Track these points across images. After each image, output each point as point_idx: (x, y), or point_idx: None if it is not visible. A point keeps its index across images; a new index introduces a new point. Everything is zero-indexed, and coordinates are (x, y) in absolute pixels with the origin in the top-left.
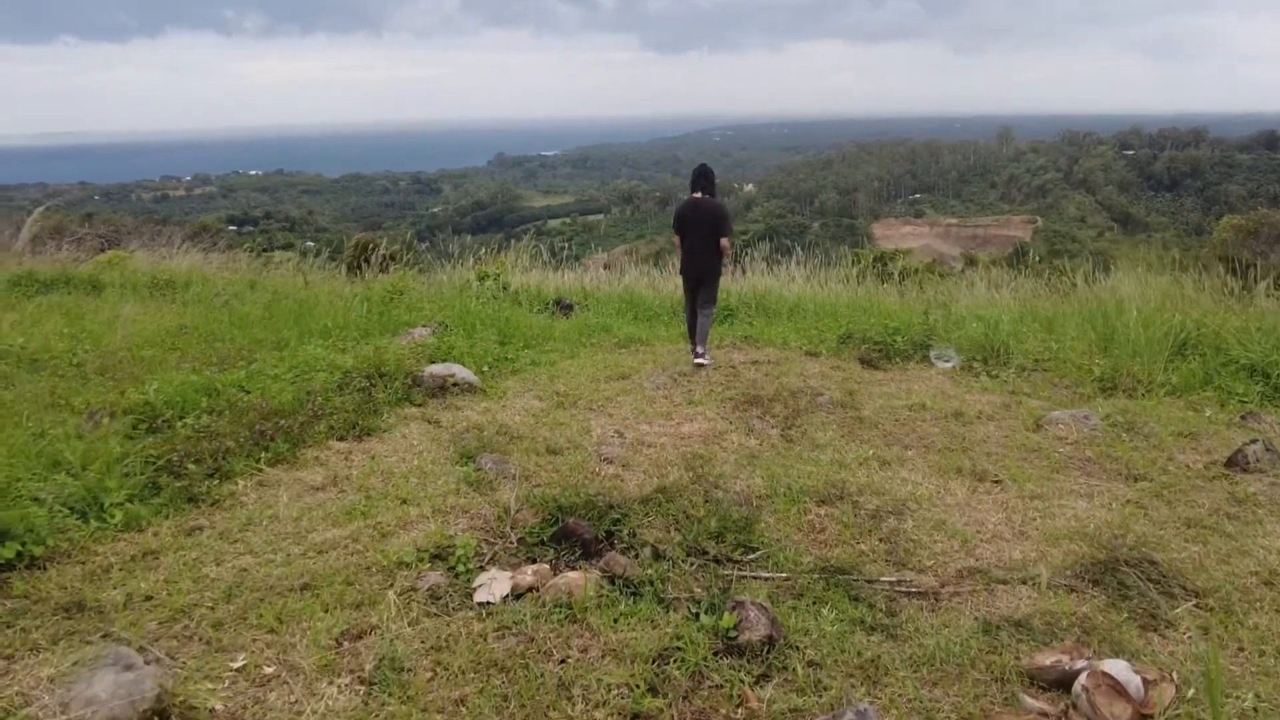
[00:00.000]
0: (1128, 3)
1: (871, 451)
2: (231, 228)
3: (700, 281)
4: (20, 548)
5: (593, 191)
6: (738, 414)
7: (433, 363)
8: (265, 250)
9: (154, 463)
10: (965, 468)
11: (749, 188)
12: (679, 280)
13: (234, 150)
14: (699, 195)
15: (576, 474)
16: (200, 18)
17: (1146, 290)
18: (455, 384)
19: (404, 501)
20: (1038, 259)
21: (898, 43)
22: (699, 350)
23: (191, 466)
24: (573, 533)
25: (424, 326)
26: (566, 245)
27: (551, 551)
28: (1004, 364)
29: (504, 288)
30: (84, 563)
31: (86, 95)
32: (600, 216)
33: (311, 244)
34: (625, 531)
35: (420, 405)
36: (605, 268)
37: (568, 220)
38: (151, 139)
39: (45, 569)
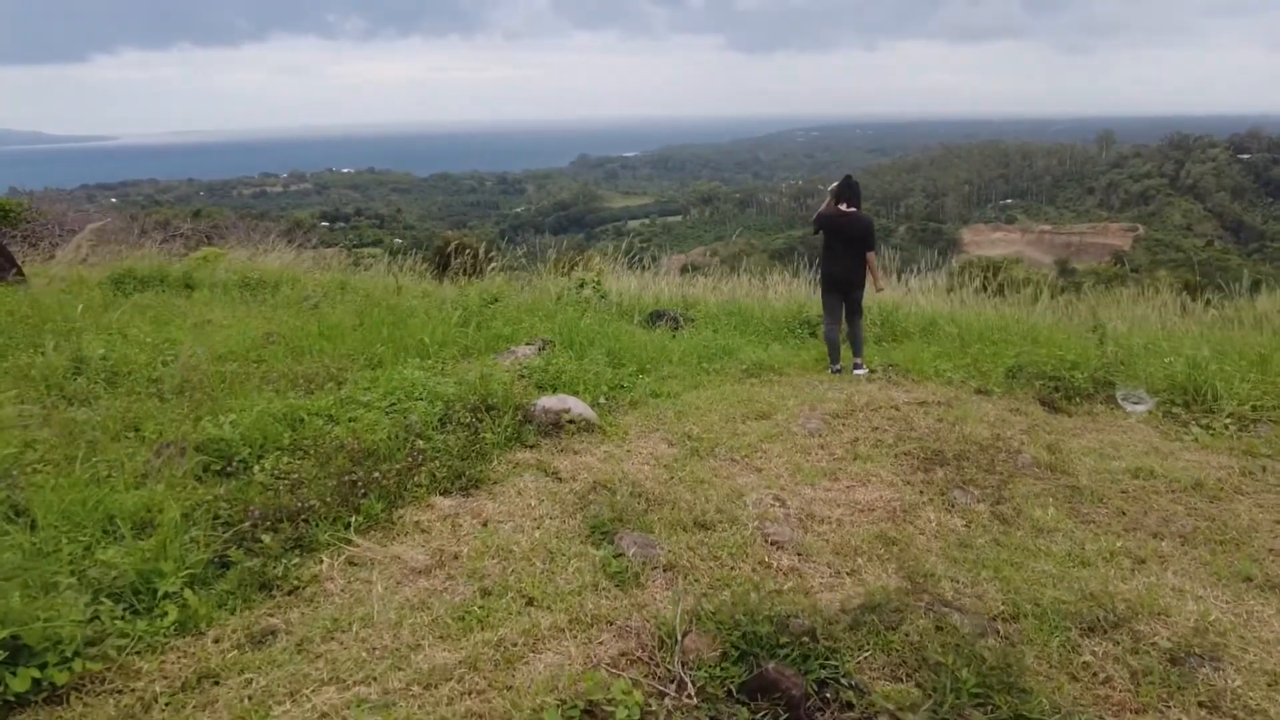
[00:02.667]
0: None
1: (1118, 543)
2: (324, 224)
3: (848, 289)
4: (39, 673)
5: (672, 192)
6: (922, 476)
7: (541, 390)
8: (356, 246)
9: (223, 524)
10: (1255, 576)
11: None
12: (781, 291)
13: (329, 148)
14: (846, 207)
15: (741, 563)
16: (305, 22)
17: None
18: (571, 421)
19: (530, 602)
20: (1201, 283)
21: (997, 42)
22: (858, 361)
23: (266, 538)
24: (774, 685)
25: (527, 344)
26: (646, 245)
27: (744, 711)
28: (1211, 410)
29: (602, 296)
30: (119, 692)
31: (199, 97)
32: (679, 218)
33: (399, 241)
34: (843, 681)
35: (533, 447)
36: (683, 270)
37: (646, 221)
38: (255, 137)
39: (69, 703)
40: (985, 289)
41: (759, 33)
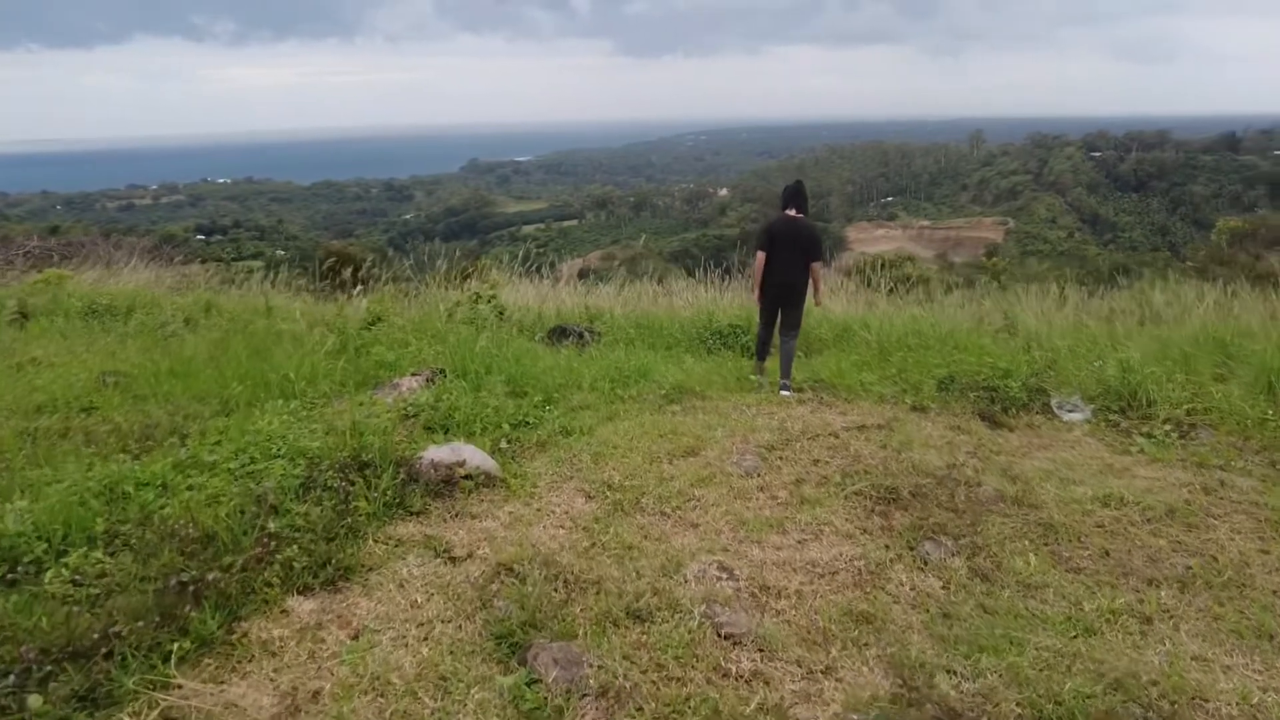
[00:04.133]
0: (1101, 5)
1: (1117, 599)
2: (200, 237)
3: (787, 302)
4: None
5: (566, 197)
6: (880, 522)
7: (430, 434)
8: (236, 259)
9: None
10: (1276, 631)
11: (723, 192)
12: (688, 299)
13: (202, 158)
14: (793, 214)
15: (692, 670)
16: (169, 24)
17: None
18: (466, 476)
19: None
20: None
21: (872, 47)
22: (785, 383)
23: (35, 699)
24: None
25: (414, 375)
26: (542, 251)
27: None
28: (1148, 417)
29: (499, 311)
30: None
31: (51, 103)
32: (574, 222)
33: (282, 253)
34: None
35: (420, 514)
36: (581, 275)
37: (541, 226)
38: (119, 146)
39: None
40: (894, 291)
41: (646, 37)
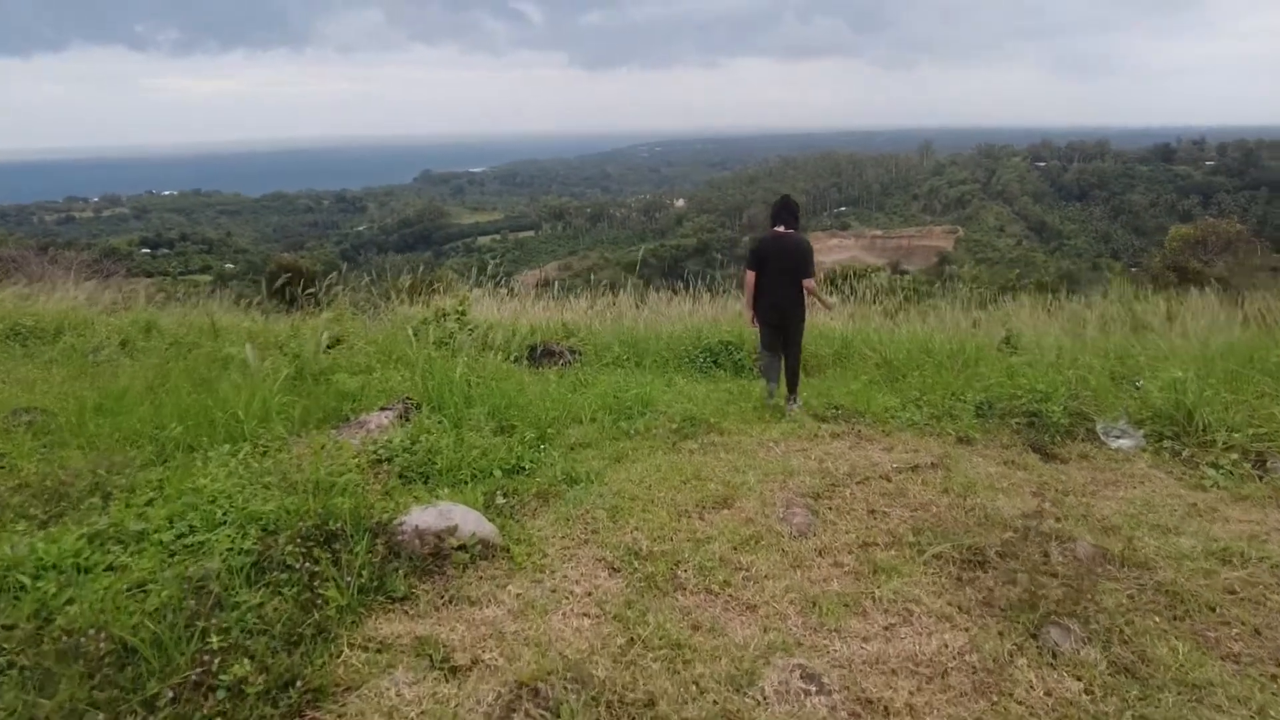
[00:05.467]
0: (1044, 21)
1: None
2: (144, 250)
3: (785, 323)
4: None
5: (522, 208)
6: (974, 595)
7: (408, 485)
8: (183, 273)
9: None
10: None
11: (679, 203)
12: (668, 312)
13: (147, 169)
14: (782, 230)
15: None
16: (109, 31)
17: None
18: (460, 546)
19: None
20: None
21: (825, 59)
22: (792, 397)
23: None
24: None
25: (383, 409)
26: (499, 262)
27: None
28: (1206, 443)
29: (469, 330)
30: None
31: None
32: (531, 233)
33: (231, 266)
34: None
35: (405, 602)
36: (539, 285)
37: (497, 237)
38: (56, 158)
39: None
40: (875, 301)
41: (601, 49)
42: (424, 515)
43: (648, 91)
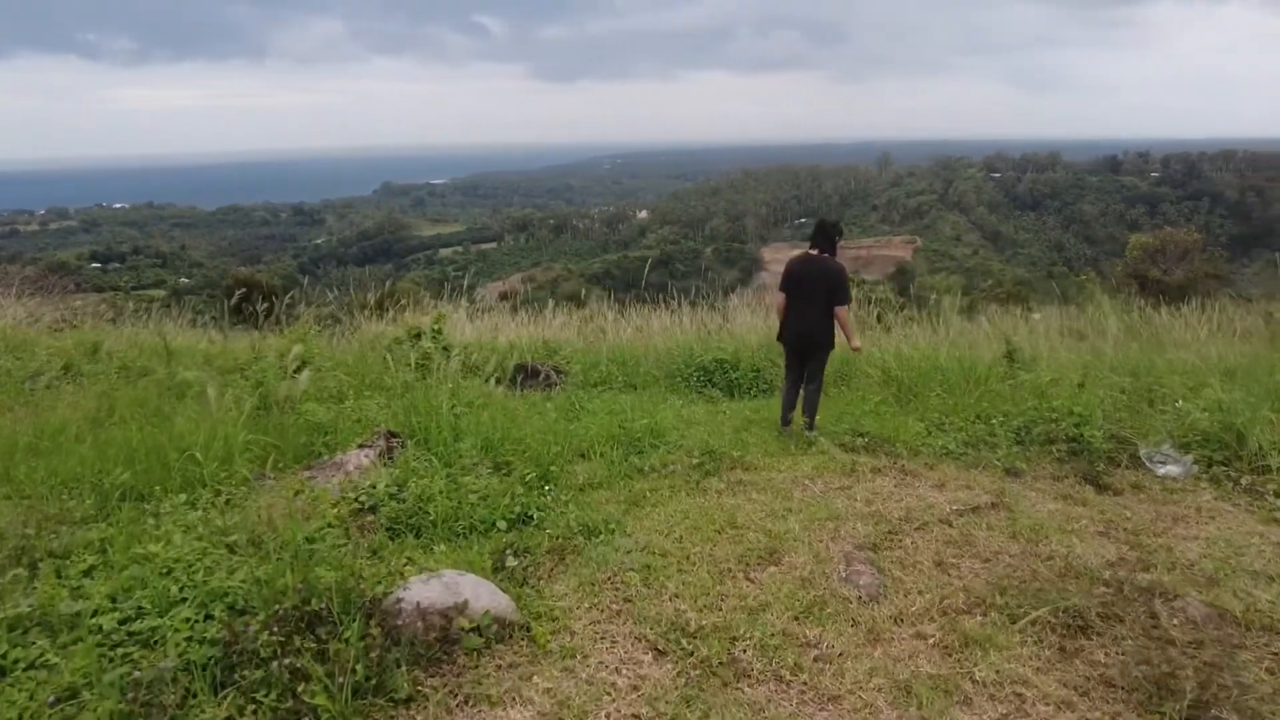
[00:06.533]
0: (995, 36)
1: None
2: (95, 265)
3: (809, 351)
4: None
5: (485, 219)
6: (1085, 668)
7: (396, 536)
8: (136, 288)
9: None
10: None
11: (642, 214)
12: (651, 328)
13: (98, 182)
14: (815, 253)
15: None
16: (60, 41)
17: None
18: (474, 627)
19: None
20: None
21: (783, 73)
22: (810, 424)
23: None
24: None
25: (361, 446)
26: (461, 274)
27: None
28: (1261, 468)
29: (445, 348)
30: None
31: None
32: (493, 245)
33: (187, 280)
34: None
35: (410, 705)
36: (501, 297)
37: (460, 249)
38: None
39: None
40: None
41: (561, 62)
42: (426, 589)
43: (609, 104)
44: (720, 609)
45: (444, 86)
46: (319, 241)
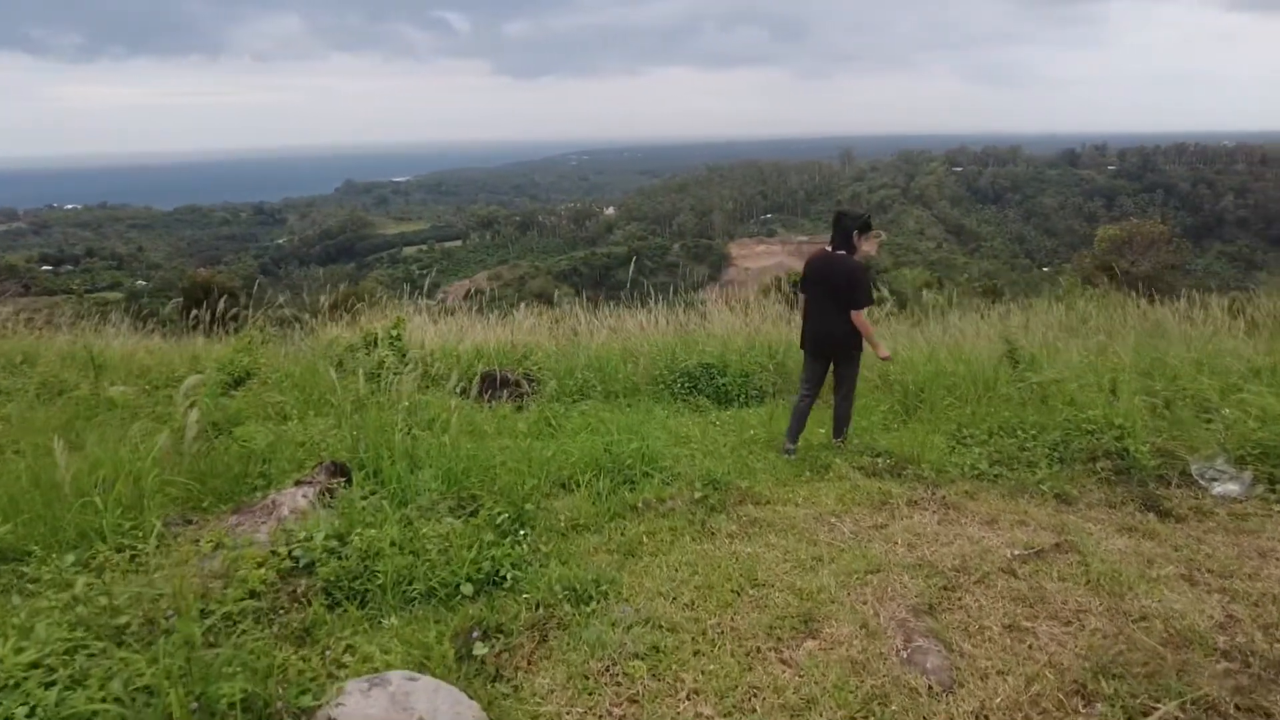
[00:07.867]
0: (955, 32)
1: None
2: (46, 268)
3: (830, 354)
4: None
5: (449, 217)
6: None
7: (335, 606)
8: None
9: None
10: None
11: (609, 210)
12: (626, 329)
13: (47, 182)
14: (830, 250)
15: None
16: (5, 37)
17: None
18: None
19: None
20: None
21: (747, 69)
22: (839, 441)
23: None
24: None
25: (300, 481)
26: (426, 272)
27: None
28: None
29: (402, 355)
30: None
31: None
32: (458, 243)
33: (143, 283)
34: None
35: None
36: (467, 295)
37: (424, 247)
38: None
39: None
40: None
41: (526, 58)
42: (368, 704)
43: (574, 100)
44: (753, 708)
45: (407, 83)
46: (280, 241)
